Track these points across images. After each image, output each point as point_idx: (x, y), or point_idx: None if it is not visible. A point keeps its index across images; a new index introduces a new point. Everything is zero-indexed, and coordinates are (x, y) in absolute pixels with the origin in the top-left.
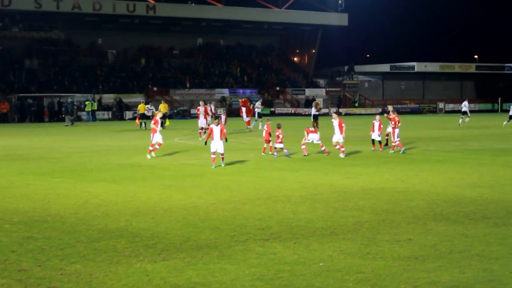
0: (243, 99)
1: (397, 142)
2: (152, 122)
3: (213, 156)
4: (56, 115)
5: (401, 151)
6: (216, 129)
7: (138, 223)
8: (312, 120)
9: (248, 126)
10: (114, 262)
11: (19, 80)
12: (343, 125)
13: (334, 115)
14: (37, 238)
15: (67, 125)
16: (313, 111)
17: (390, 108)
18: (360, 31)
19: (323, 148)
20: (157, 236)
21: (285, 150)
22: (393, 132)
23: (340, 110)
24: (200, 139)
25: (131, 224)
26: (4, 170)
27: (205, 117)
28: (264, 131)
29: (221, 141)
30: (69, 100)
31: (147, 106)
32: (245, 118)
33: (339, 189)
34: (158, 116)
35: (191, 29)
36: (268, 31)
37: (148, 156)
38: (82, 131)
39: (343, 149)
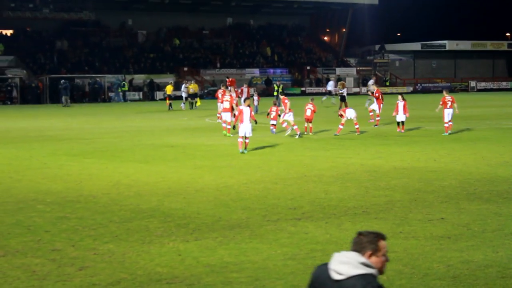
0: (230, 79)
1: (449, 124)
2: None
3: (240, 140)
4: (87, 96)
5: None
6: (246, 111)
7: (169, 203)
8: (340, 101)
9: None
10: (147, 242)
11: (50, 61)
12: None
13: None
14: (70, 218)
15: (64, 106)
16: (343, 91)
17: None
18: (390, 9)
19: (356, 127)
20: (189, 216)
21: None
22: (444, 113)
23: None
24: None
25: (163, 204)
26: (36, 151)
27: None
28: (309, 110)
29: (250, 124)
30: (62, 82)
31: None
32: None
33: (370, 169)
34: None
35: (221, 9)
36: (298, 10)
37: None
38: (114, 111)
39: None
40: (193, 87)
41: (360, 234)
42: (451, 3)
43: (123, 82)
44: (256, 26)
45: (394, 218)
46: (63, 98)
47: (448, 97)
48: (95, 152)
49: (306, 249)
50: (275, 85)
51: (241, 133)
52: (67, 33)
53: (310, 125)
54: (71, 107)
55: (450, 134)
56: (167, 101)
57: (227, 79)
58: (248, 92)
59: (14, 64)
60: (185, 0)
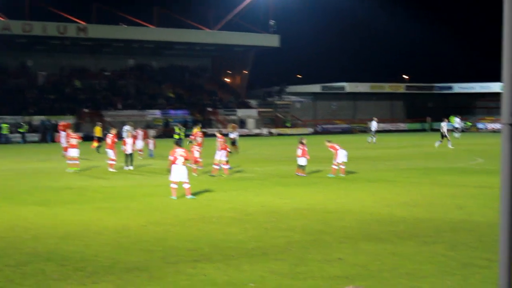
0: (64, 123)
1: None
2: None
3: (174, 186)
4: None
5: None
6: (180, 153)
7: (67, 246)
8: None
9: (64, 152)
10: (43, 286)
11: None
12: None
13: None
14: None
15: None
16: (233, 135)
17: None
18: (292, 52)
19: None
20: (87, 259)
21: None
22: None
23: (272, 130)
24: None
25: (60, 247)
26: None
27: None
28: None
29: (184, 167)
30: None
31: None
32: (63, 143)
33: (270, 210)
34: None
35: (123, 51)
36: (200, 52)
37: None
38: (11, 153)
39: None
40: (97, 130)
41: None
42: (350, 46)
43: (22, 123)
44: (158, 68)
45: (293, 259)
46: None
47: (332, 144)
48: None
49: None
50: (176, 128)
51: (175, 178)
52: None
53: (195, 166)
54: None
55: (340, 176)
56: (95, 143)
57: (59, 123)
58: (144, 134)
59: None
60: (86, 42)
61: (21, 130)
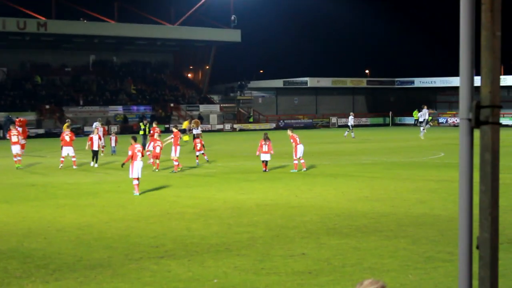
0: (20, 119)
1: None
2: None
3: (136, 182)
4: None
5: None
6: (138, 148)
7: (30, 243)
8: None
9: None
10: (5, 283)
11: None
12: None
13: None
14: None
15: None
16: (196, 130)
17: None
18: (254, 47)
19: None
20: (49, 256)
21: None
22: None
23: (235, 126)
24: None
25: (22, 244)
26: None
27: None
28: (158, 148)
29: (141, 162)
30: None
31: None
32: (20, 140)
33: (233, 205)
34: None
35: (84, 46)
36: (162, 47)
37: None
38: None
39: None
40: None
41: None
42: (313, 41)
43: None
44: (119, 63)
45: (256, 255)
46: None
47: (294, 135)
48: None
49: (168, 287)
50: (141, 124)
51: (135, 174)
52: None
53: (157, 161)
54: None
55: (303, 170)
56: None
57: (16, 119)
58: (104, 130)
59: None
60: (47, 37)
61: None
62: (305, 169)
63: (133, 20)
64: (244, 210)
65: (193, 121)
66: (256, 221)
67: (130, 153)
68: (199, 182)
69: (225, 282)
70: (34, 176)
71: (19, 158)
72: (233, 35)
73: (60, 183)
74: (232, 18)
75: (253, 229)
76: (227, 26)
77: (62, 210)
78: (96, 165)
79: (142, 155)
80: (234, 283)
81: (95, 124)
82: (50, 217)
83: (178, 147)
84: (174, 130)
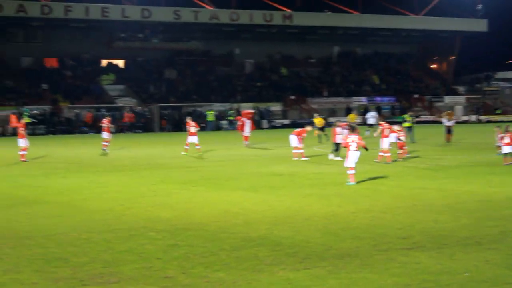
0: (245, 111)
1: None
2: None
3: (352, 172)
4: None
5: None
6: (355, 139)
7: (278, 231)
8: (445, 133)
9: (245, 142)
10: (257, 270)
11: (159, 90)
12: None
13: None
14: (181, 246)
15: None
16: (449, 122)
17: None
18: (501, 36)
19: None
20: (298, 244)
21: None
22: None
23: (480, 117)
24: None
25: (271, 232)
26: (146, 179)
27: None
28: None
29: (359, 152)
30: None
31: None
32: (247, 132)
33: (482, 198)
34: None
35: (328, 38)
36: (406, 38)
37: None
38: (220, 140)
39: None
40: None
41: None
42: None
43: (230, 111)
44: (362, 54)
45: (508, 249)
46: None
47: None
48: (201, 181)
49: (418, 279)
50: (406, 116)
51: (352, 164)
52: (175, 63)
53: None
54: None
55: None
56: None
57: (241, 113)
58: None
59: (124, 93)
60: (292, 29)
61: (229, 118)
62: None
63: (377, 11)
64: (494, 203)
65: (445, 113)
66: (507, 214)
67: (344, 142)
68: (445, 174)
69: (476, 276)
70: (279, 166)
71: (197, 147)
72: (479, 25)
73: (306, 173)
74: (478, 7)
75: (504, 222)
76: (472, 16)
77: (309, 199)
78: (336, 158)
79: (359, 147)
80: (486, 277)
81: (369, 114)
82: (297, 206)
83: (386, 139)
84: (380, 122)
